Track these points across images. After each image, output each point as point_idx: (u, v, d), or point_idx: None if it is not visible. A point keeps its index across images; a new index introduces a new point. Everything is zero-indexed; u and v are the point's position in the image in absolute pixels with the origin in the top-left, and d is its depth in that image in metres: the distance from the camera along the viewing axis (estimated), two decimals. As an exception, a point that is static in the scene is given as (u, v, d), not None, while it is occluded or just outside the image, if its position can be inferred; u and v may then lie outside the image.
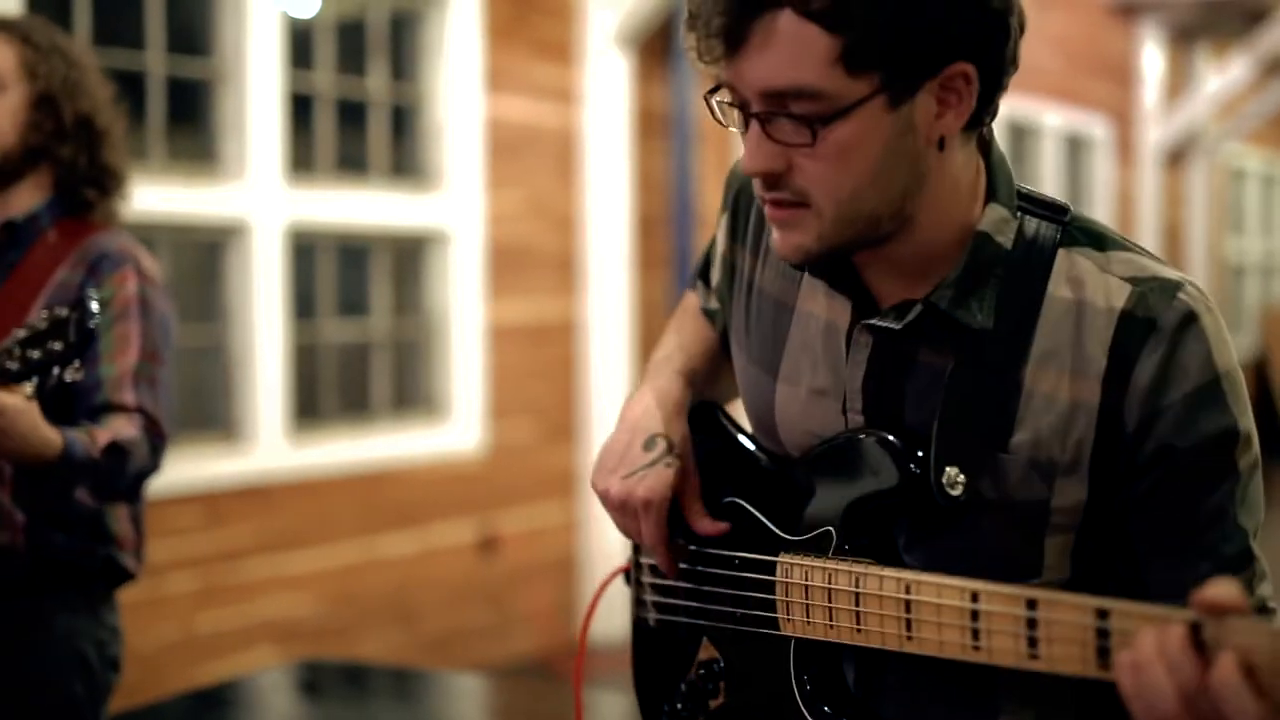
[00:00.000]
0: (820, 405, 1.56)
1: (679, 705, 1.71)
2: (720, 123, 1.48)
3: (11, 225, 2.53)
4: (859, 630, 1.45)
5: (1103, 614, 1.23)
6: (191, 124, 5.44)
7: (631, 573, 1.84)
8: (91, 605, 2.52)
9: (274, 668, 3.31)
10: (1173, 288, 1.41)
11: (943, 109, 1.39)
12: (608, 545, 6.70)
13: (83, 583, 2.50)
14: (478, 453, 6.34)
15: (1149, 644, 1.18)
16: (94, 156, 2.58)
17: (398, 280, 6.23)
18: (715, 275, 1.79)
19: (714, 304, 1.82)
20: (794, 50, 1.35)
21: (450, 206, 6.18)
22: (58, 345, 2.10)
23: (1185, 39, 12.54)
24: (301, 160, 5.63)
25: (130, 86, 5.11)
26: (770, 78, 1.37)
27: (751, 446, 1.70)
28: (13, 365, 2.12)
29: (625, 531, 1.69)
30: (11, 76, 2.50)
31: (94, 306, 2.12)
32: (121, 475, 2.37)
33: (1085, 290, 1.43)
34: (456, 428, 6.25)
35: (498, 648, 6.42)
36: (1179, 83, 12.59)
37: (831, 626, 1.48)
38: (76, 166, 2.56)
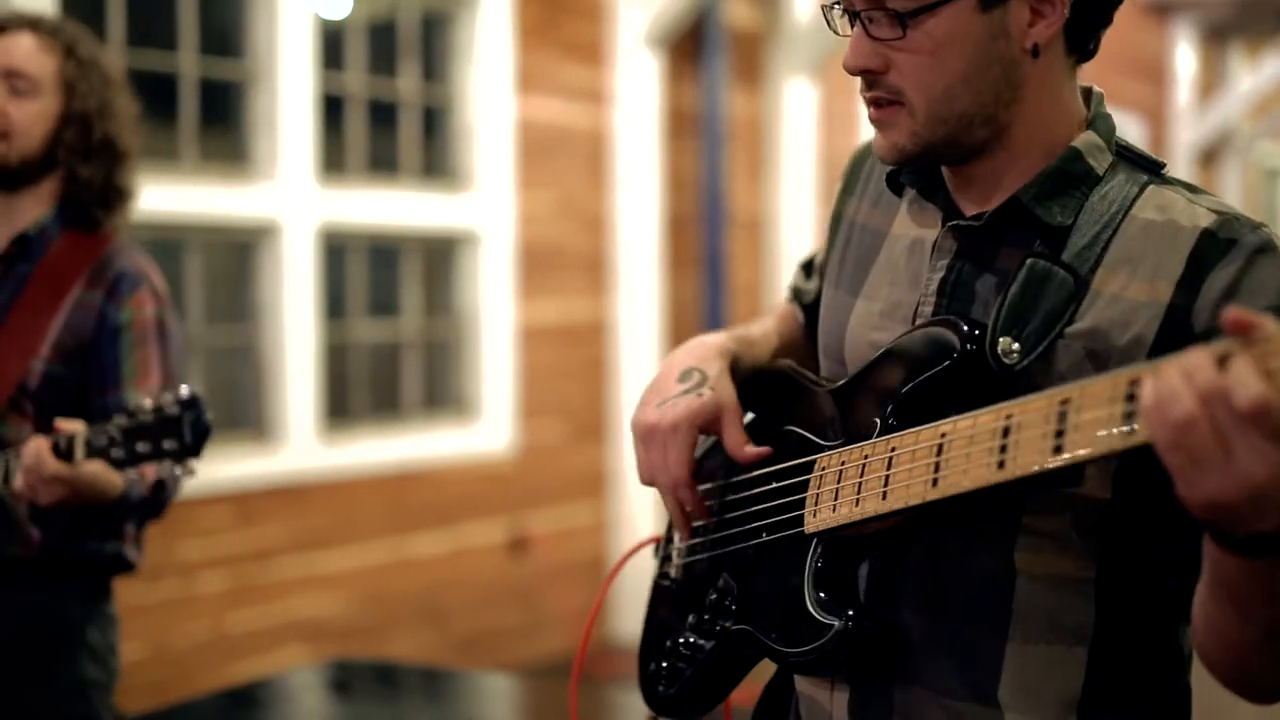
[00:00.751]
0: (891, 318, 1.56)
1: (689, 637, 1.67)
2: (835, 32, 1.52)
3: (24, 238, 2.53)
4: (885, 495, 1.42)
5: (1133, 382, 1.20)
6: (224, 125, 5.46)
7: (661, 543, 1.81)
8: (95, 595, 2.56)
9: (305, 667, 3.32)
10: (1257, 224, 1.43)
11: (1035, 17, 1.43)
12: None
13: (91, 574, 2.55)
14: (508, 453, 6.35)
15: (1173, 369, 1.15)
16: (109, 177, 2.59)
17: (428, 281, 6.25)
18: (820, 253, 1.80)
19: (811, 284, 1.84)
20: None
21: (481, 207, 6.19)
22: (170, 444, 2.14)
23: (1218, 38, 12.48)
24: (333, 161, 5.65)
25: (163, 88, 5.14)
26: None
27: (802, 378, 1.68)
28: (118, 454, 2.16)
29: (650, 466, 1.64)
30: (48, 85, 2.51)
31: (204, 406, 2.16)
32: (162, 507, 2.46)
33: (1170, 213, 1.44)
34: (487, 428, 6.26)
35: (527, 648, 6.43)
36: (1212, 82, 12.53)
37: (858, 502, 1.46)
38: (91, 185, 2.56)
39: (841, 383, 1.58)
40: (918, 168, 1.55)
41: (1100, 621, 1.44)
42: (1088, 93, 1.54)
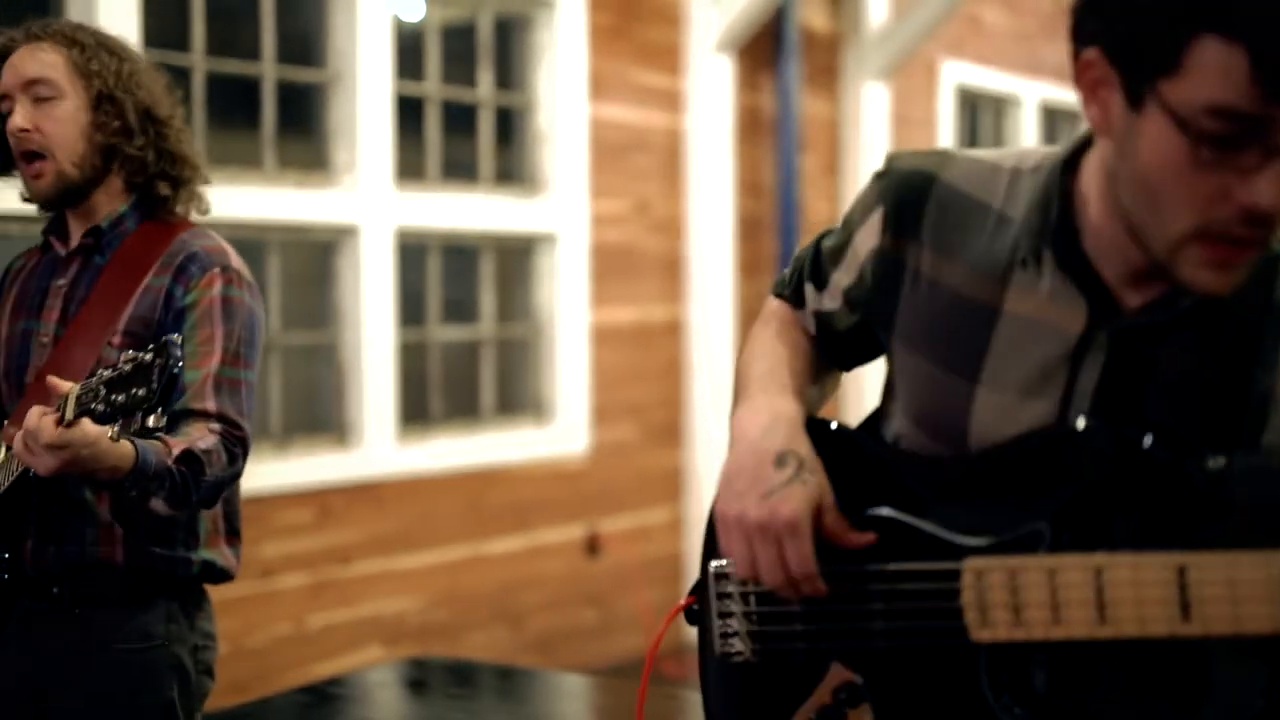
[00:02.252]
0: (1032, 410, 1.49)
1: None
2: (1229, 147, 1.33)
3: (97, 230, 2.53)
4: (1102, 623, 1.35)
5: None
6: (303, 130, 5.53)
7: (705, 607, 1.73)
8: (188, 612, 2.53)
9: (382, 664, 3.36)
10: None
11: None
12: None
13: (180, 590, 2.52)
14: (583, 454, 6.39)
15: None
16: (161, 147, 2.54)
17: (505, 283, 6.29)
18: (842, 275, 1.70)
19: (831, 304, 1.74)
20: None
21: (556, 210, 6.23)
22: (140, 391, 2.05)
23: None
24: (410, 165, 5.71)
25: (244, 95, 5.22)
26: None
27: (892, 453, 1.62)
28: (98, 407, 2.09)
29: (760, 561, 1.56)
30: (65, 82, 2.48)
31: (177, 352, 2.05)
32: (197, 484, 2.34)
33: None
34: (562, 429, 6.30)
35: (602, 648, 6.46)
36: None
37: (1053, 620, 1.39)
38: (146, 161, 2.53)
39: (950, 469, 1.53)
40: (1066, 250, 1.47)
41: None
42: None
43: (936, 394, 1.57)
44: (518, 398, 6.34)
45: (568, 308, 6.27)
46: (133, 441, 2.23)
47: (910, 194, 1.60)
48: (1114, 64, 1.33)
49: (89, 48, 2.52)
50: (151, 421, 2.09)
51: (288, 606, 5.24)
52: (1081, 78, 1.37)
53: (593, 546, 6.44)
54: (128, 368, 2.07)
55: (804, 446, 1.59)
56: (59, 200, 2.53)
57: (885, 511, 1.56)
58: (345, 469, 5.43)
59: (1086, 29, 1.36)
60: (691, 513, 6.85)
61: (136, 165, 2.53)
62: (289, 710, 2.91)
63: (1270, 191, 1.29)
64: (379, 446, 5.52)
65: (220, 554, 2.55)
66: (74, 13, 4.57)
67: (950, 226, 1.56)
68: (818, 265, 1.77)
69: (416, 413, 5.83)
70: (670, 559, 6.81)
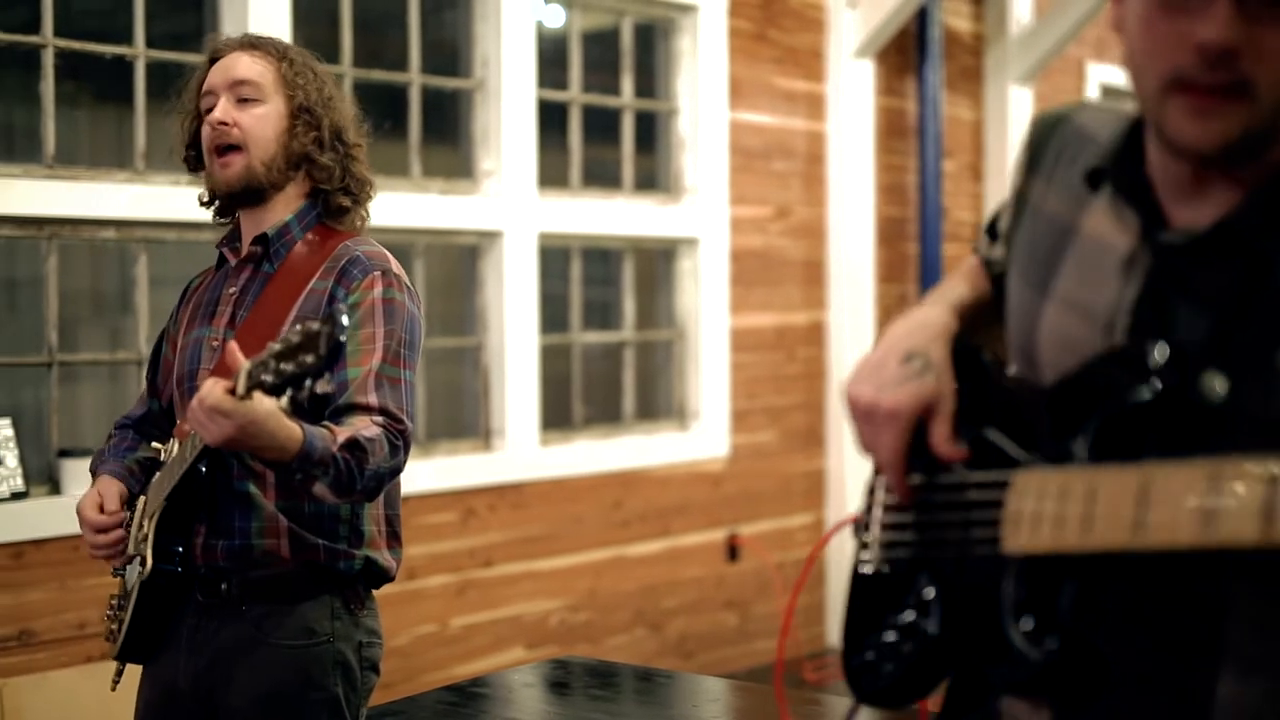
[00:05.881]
0: (1085, 326, 1.50)
1: (891, 636, 1.64)
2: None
3: (264, 238, 2.62)
4: (1087, 531, 1.37)
5: None
6: (449, 138, 5.62)
7: (860, 523, 1.77)
8: (351, 610, 2.59)
9: (525, 665, 3.40)
10: None
11: None
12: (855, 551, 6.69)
13: (343, 586, 2.58)
14: (725, 458, 6.40)
15: None
16: (347, 166, 2.67)
17: (646, 288, 6.33)
18: (1004, 220, 1.74)
19: (997, 252, 1.77)
20: None
21: (697, 215, 6.25)
22: (309, 358, 2.11)
23: None
24: (552, 171, 5.77)
25: (391, 104, 5.31)
26: None
27: (1006, 379, 1.64)
28: (268, 378, 2.14)
29: (865, 443, 1.62)
30: (270, 89, 2.61)
31: (344, 320, 2.11)
32: (361, 472, 2.39)
33: None
34: (703, 433, 6.32)
35: (741, 652, 6.47)
36: None
37: (1058, 531, 1.41)
38: (332, 174, 2.64)
39: (1035, 391, 1.55)
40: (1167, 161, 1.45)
41: None
42: None
43: (1018, 311, 1.61)
44: (659, 401, 6.37)
45: (708, 312, 6.29)
46: (301, 426, 2.29)
47: (1041, 133, 1.66)
48: None
49: (296, 64, 2.65)
50: (319, 388, 2.15)
51: (432, 607, 5.32)
52: None
53: (733, 550, 6.46)
54: (296, 339, 2.12)
55: (938, 352, 1.62)
56: (240, 192, 2.62)
57: (988, 433, 1.58)
58: (488, 471, 5.50)
59: None
60: (832, 517, 6.83)
61: (324, 175, 2.64)
62: (435, 709, 2.96)
63: (1214, 27, 1.32)
64: (522, 449, 5.58)
65: (381, 554, 2.61)
66: (229, 23, 4.69)
67: (1065, 160, 1.60)
68: (995, 216, 1.81)
69: (559, 416, 5.88)
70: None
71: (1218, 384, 1.35)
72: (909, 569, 1.65)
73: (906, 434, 1.58)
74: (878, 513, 1.70)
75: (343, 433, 2.38)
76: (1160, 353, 1.39)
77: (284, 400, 2.17)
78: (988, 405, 1.61)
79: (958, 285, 1.79)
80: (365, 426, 2.42)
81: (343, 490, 2.40)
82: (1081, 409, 1.46)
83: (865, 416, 1.60)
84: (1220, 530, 1.25)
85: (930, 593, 1.61)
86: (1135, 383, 1.40)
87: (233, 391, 2.19)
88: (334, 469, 2.36)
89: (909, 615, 1.64)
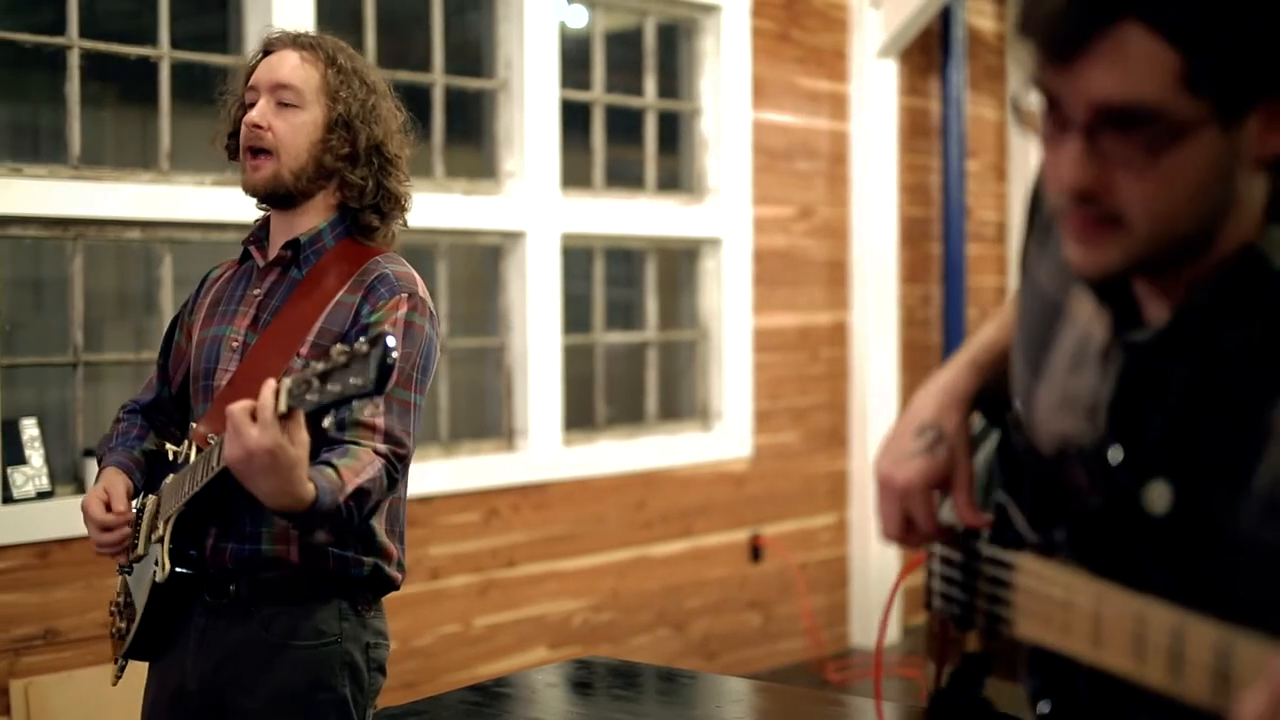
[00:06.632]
0: (1072, 415, 1.49)
1: (950, 692, 1.69)
2: (1022, 125, 1.42)
3: (296, 244, 2.61)
4: (1098, 647, 1.35)
5: None
6: (472, 138, 5.63)
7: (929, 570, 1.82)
8: (359, 611, 2.59)
9: (548, 665, 3.40)
10: None
11: (1272, 131, 1.29)
12: (879, 551, 6.69)
13: (351, 589, 2.58)
14: (748, 459, 6.40)
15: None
16: (381, 182, 2.64)
17: (668, 288, 6.33)
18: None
19: None
20: (1138, 65, 1.26)
21: (720, 215, 6.25)
22: (357, 380, 2.08)
23: None
24: (575, 171, 5.78)
25: (415, 103, 5.31)
26: (1108, 92, 1.28)
27: (1020, 440, 1.63)
28: (313, 398, 2.13)
29: (883, 519, 1.67)
30: (312, 96, 2.58)
31: (391, 342, 2.07)
32: (360, 515, 2.40)
33: None
34: (727, 434, 6.32)
35: (764, 652, 6.47)
36: None
37: (1067, 639, 1.40)
38: (364, 191, 2.62)
39: (1034, 464, 1.56)
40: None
41: None
42: None
43: (1019, 386, 1.62)
44: (682, 402, 6.37)
45: (731, 312, 6.29)
46: (315, 482, 2.27)
47: (1035, 193, 1.63)
48: None
49: (344, 71, 2.62)
50: (367, 413, 2.19)
51: (455, 607, 5.33)
52: None
53: (756, 551, 6.45)
54: (342, 359, 2.10)
55: (952, 420, 1.65)
56: (268, 197, 2.62)
57: (1004, 501, 1.62)
58: (511, 471, 5.50)
59: None
60: (855, 517, 6.83)
61: (354, 192, 2.62)
62: (458, 708, 2.96)
63: (1062, 167, 1.32)
64: (545, 449, 5.59)
65: (390, 564, 2.61)
66: (253, 24, 4.70)
67: (1056, 230, 1.53)
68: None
69: (581, 416, 5.89)
70: (834, 563, 6.79)
71: (1158, 496, 1.36)
72: (957, 622, 1.68)
73: (923, 506, 1.63)
74: (934, 565, 1.74)
75: (350, 479, 2.36)
76: (1114, 457, 1.41)
77: (327, 421, 2.17)
78: (1005, 469, 1.65)
79: (987, 329, 1.78)
80: (370, 462, 2.41)
81: (340, 535, 2.43)
82: (1057, 503, 1.50)
83: (881, 491, 1.66)
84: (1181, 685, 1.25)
85: (977, 652, 1.66)
86: (1094, 488, 1.43)
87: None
88: (336, 520, 2.36)
89: (961, 672, 1.69)
